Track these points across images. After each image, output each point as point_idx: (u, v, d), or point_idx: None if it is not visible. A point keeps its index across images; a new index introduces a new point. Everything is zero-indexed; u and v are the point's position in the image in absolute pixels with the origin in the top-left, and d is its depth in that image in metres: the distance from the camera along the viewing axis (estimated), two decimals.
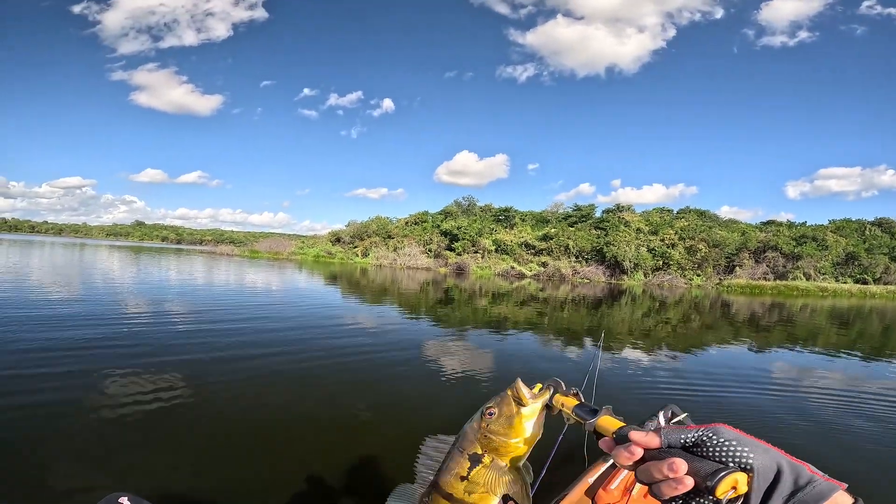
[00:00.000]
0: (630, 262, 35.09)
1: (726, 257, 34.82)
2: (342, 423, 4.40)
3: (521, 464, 0.74)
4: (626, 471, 2.20)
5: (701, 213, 42.76)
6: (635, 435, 0.53)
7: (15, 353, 5.75)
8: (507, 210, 46.17)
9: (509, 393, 0.74)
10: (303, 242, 53.72)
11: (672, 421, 3.03)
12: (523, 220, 44.99)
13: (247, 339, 7.59)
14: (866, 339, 12.07)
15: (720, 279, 33.63)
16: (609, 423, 0.66)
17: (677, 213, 43.36)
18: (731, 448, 0.48)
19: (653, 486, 0.51)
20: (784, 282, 31.10)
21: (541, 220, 45.41)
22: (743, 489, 0.47)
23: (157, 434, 3.83)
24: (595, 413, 0.69)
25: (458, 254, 39.99)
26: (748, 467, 0.47)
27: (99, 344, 6.49)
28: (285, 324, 9.32)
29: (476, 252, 39.87)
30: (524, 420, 0.72)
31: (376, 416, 4.68)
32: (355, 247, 45.74)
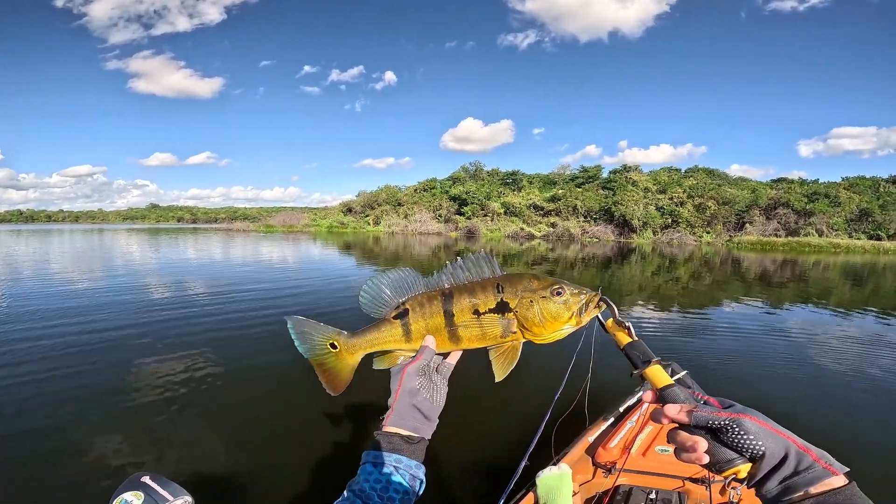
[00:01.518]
0: (639, 220, 35.14)
1: (736, 214, 34.37)
2: (370, 392, 4.42)
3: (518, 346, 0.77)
4: (625, 430, 2.40)
5: (710, 172, 42.00)
6: (670, 410, 0.59)
7: (48, 338, 5.87)
8: (514, 174, 46.05)
9: (584, 298, 0.73)
10: (315, 214, 54.39)
11: (673, 378, 3.32)
12: (531, 183, 44.81)
13: (271, 312, 7.65)
14: (881, 297, 11.65)
15: (730, 236, 33.41)
16: (658, 376, 0.66)
17: (686, 171, 42.57)
18: (750, 442, 0.54)
19: (675, 448, 0.58)
20: (796, 238, 30.67)
21: (548, 182, 45.16)
22: (743, 475, 0.55)
23: (188, 414, 3.85)
24: (647, 363, 0.68)
25: (468, 218, 40.34)
26: (759, 456, 0.54)
27: (129, 326, 6.61)
28: (305, 295, 9.67)
29: (485, 215, 40.16)
30: (570, 325, 0.73)
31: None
32: (367, 216, 46.28)
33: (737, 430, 0.55)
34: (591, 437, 2.51)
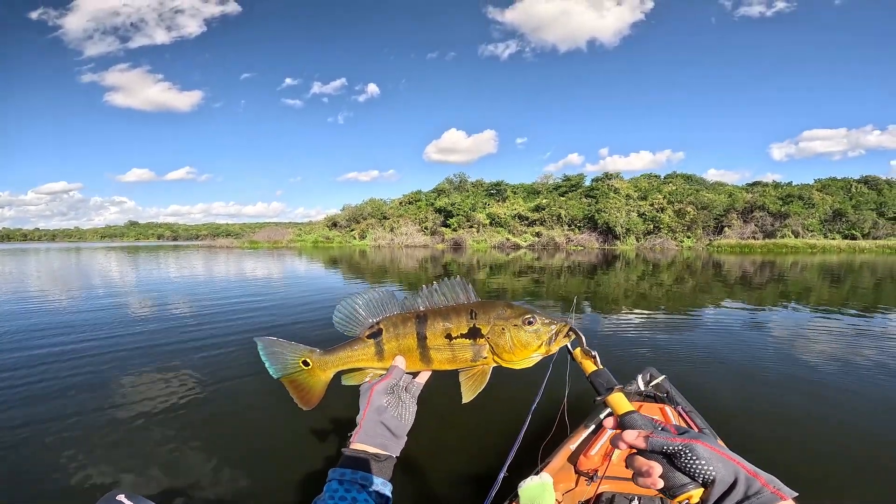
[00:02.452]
0: (622, 227, 35.75)
1: (715, 219, 35.39)
2: (346, 405, 4.39)
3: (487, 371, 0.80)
4: (605, 437, 2.39)
5: (688, 178, 43.21)
6: (627, 435, 0.63)
7: (28, 360, 5.74)
8: (498, 184, 46.46)
9: (554, 328, 0.75)
10: (300, 229, 53.97)
11: (650, 384, 3.16)
12: (515, 193, 45.36)
13: (256, 327, 7.61)
14: (859, 295, 11.83)
15: (710, 240, 34.24)
16: (619, 402, 0.70)
17: (665, 178, 43.72)
18: (702, 466, 0.57)
19: (632, 473, 0.62)
20: (773, 240, 31.58)
21: (532, 191, 45.76)
22: (695, 501, 0.57)
23: (168, 431, 3.80)
24: (609, 391, 0.72)
25: (454, 229, 40.57)
26: (710, 481, 0.56)
27: (111, 346, 6.44)
28: (293, 311, 9.54)
29: (471, 227, 40.41)
30: (539, 353, 0.75)
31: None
32: (352, 230, 46.15)
33: (689, 455, 0.57)
34: (573, 444, 2.51)
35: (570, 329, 0.76)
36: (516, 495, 1.87)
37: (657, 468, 0.59)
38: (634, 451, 0.63)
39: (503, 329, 0.75)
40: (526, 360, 0.77)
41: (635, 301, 11.28)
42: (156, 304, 10.27)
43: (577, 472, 2.27)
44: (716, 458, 0.58)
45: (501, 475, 1.80)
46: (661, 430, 0.63)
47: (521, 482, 1.90)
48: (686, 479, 0.58)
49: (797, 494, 0.52)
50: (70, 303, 10.69)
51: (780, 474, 1.62)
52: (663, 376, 3.21)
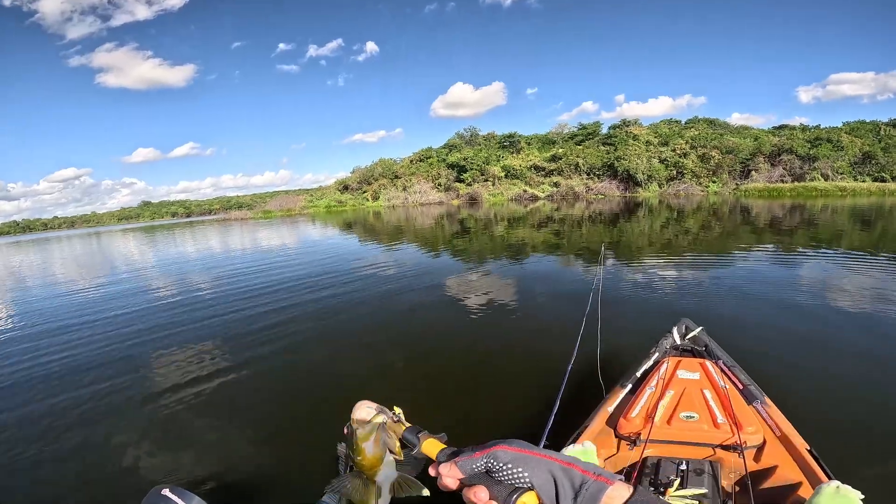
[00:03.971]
0: (643, 174, 34.41)
1: (741, 163, 33.81)
2: (379, 374, 4.34)
3: (376, 476, 0.81)
4: (644, 397, 2.25)
5: (711, 122, 41.25)
6: (444, 472, 0.59)
7: (62, 347, 5.76)
8: (511, 136, 44.86)
9: (352, 418, 0.80)
10: (311, 195, 53.66)
11: (687, 336, 3.00)
12: (529, 144, 43.80)
13: (282, 302, 7.39)
14: (891, 238, 11.30)
15: (737, 184, 32.94)
16: (431, 447, 0.69)
17: (686, 123, 41.69)
18: (511, 471, 0.53)
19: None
20: (802, 183, 30.27)
21: (547, 141, 44.17)
22: None
23: (207, 417, 3.69)
24: (419, 440, 0.71)
25: (468, 184, 39.66)
26: (529, 483, 0.52)
27: (142, 329, 6.39)
28: (314, 280, 9.21)
29: (486, 180, 39.43)
30: (361, 442, 0.78)
31: (409, 363, 4.59)
32: (364, 192, 45.58)
33: (496, 464, 0.55)
34: (610, 407, 2.37)
35: (380, 425, 0.78)
36: None
37: (482, 491, 0.56)
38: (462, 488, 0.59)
39: (347, 443, 0.82)
40: (364, 456, 0.80)
41: (662, 249, 10.81)
42: (184, 283, 10.17)
43: (617, 436, 2.13)
44: (520, 457, 0.55)
45: (541, 445, 1.59)
46: (465, 452, 0.59)
47: (563, 449, 1.79)
48: (509, 489, 0.55)
49: (622, 479, 0.50)
50: (102, 288, 10.70)
51: (827, 428, 2.53)
52: (700, 328, 3.03)
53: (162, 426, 3.60)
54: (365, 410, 0.80)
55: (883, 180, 29.98)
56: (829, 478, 1.68)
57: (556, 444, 1.88)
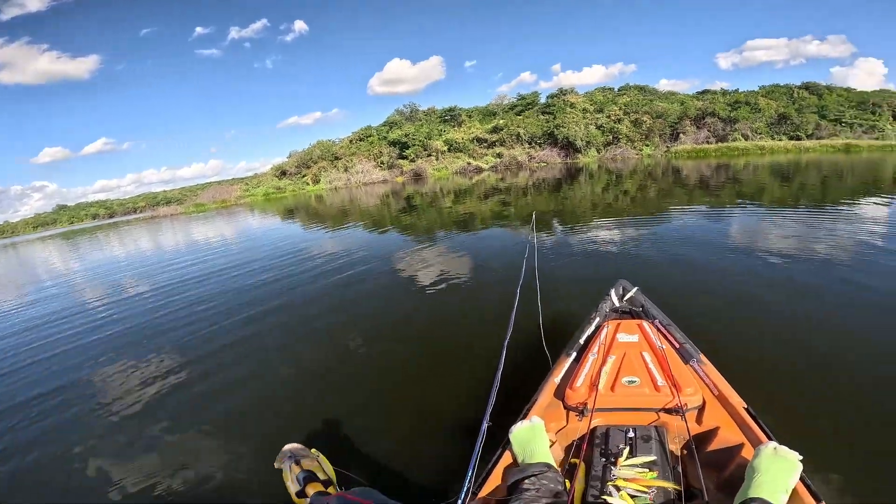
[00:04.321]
0: (581, 140, 35.34)
1: (670, 126, 35.63)
2: (336, 363, 4.21)
3: None
4: (588, 364, 2.21)
5: (641, 89, 43.01)
6: None
7: None
8: (451, 109, 44.35)
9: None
10: (247, 184, 50.55)
11: (624, 298, 3.02)
12: (470, 117, 43.56)
13: (226, 299, 6.88)
14: (808, 192, 12.14)
15: (667, 147, 34.70)
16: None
17: (619, 90, 43.23)
18: None
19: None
20: (725, 144, 32.36)
21: (487, 113, 44.13)
22: None
23: (163, 425, 3.52)
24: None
25: (412, 160, 38.96)
26: None
27: (79, 345, 5.79)
28: (259, 274, 8.59)
29: (429, 155, 38.92)
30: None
31: (369, 348, 4.47)
32: (304, 176, 43.54)
33: None
34: (557, 378, 2.30)
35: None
36: (508, 442, 1.74)
37: None
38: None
39: None
40: None
41: (600, 212, 11.16)
42: (114, 291, 9.16)
43: (566, 407, 2.07)
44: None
45: (484, 426, 1.65)
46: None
47: (512, 428, 1.75)
48: None
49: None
50: (26, 307, 9.48)
51: (760, 385, 2.77)
52: (636, 288, 3.08)
53: (114, 446, 3.37)
54: (283, 453, 0.83)
55: (798, 139, 32.57)
56: (769, 438, 1.69)
57: (505, 422, 1.81)
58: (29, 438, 3.58)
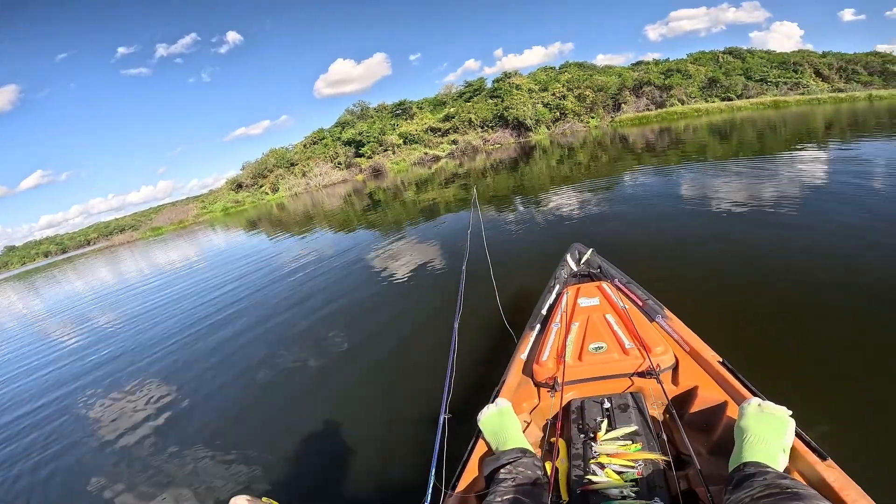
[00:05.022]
0: (531, 119, 36.32)
1: (611, 98, 37.18)
2: (284, 381, 4.03)
3: None
4: (552, 336, 2.11)
5: (581, 65, 44.57)
6: None
7: None
8: (402, 104, 44.43)
9: None
10: (203, 201, 49.06)
11: (581, 261, 2.95)
12: (421, 109, 43.74)
13: (198, 324, 6.66)
14: (747, 145, 12.68)
15: (612, 117, 36.14)
16: None
17: (560, 68, 44.54)
18: None
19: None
20: (664, 109, 34.10)
21: (437, 103, 44.41)
22: None
23: (152, 456, 3.37)
24: None
25: (369, 157, 38.94)
26: None
27: (57, 385, 5.58)
28: (227, 293, 8.34)
29: (385, 150, 39.01)
30: None
31: (351, 351, 4.31)
32: (261, 186, 42.70)
33: None
34: (523, 354, 2.16)
35: None
36: (479, 431, 1.65)
37: None
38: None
39: None
40: None
41: (555, 183, 11.60)
42: (85, 324, 8.92)
43: (535, 384, 1.96)
44: None
45: (442, 418, 1.55)
46: None
47: (479, 414, 1.67)
48: None
49: None
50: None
51: (730, 323, 2.80)
52: (591, 249, 3.03)
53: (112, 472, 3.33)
54: None
55: (730, 99, 34.60)
56: (753, 393, 1.57)
57: (475, 409, 1.71)
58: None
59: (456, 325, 2.04)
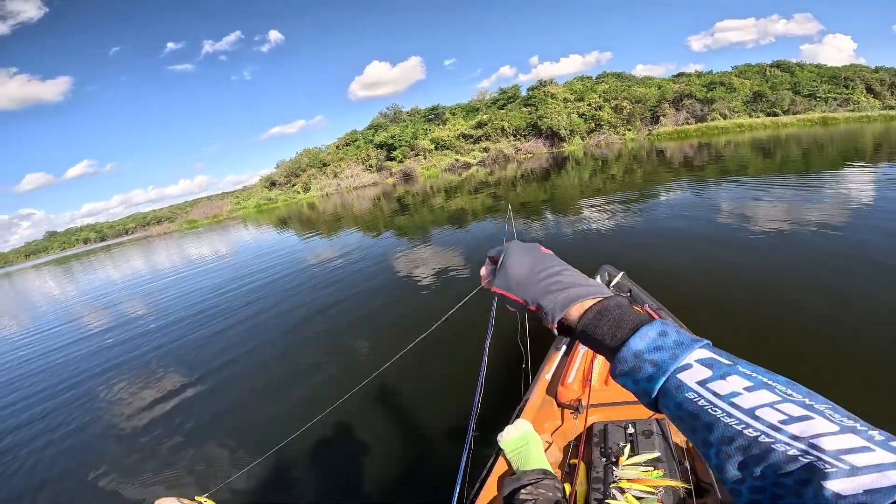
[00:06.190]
0: (565, 129, 35.80)
1: (650, 110, 36.23)
2: (344, 374, 4.01)
3: None
4: (578, 358, 2.10)
5: (618, 75, 43.77)
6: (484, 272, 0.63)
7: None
8: (434, 108, 44.64)
9: None
10: (237, 197, 50.66)
11: (611, 284, 2.92)
12: (454, 114, 43.89)
13: (227, 316, 6.78)
14: (790, 163, 12.12)
15: (649, 130, 35.25)
16: None
17: (597, 78, 43.85)
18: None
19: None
20: (705, 123, 32.96)
21: (470, 109, 44.48)
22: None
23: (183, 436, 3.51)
24: None
25: (400, 161, 39.28)
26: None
27: (86, 373, 5.72)
28: (258, 289, 8.57)
29: (417, 155, 39.25)
30: None
31: (374, 348, 4.38)
32: (293, 185, 43.70)
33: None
34: (548, 374, 2.20)
35: None
36: (500, 450, 1.65)
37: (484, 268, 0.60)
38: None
39: None
40: None
41: (588, 197, 11.29)
42: (119, 313, 9.14)
43: (559, 405, 1.99)
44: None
45: (469, 435, 1.57)
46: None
47: (500, 435, 1.66)
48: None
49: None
50: (35, 338, 9.60)
51: (766, 353, 2.59)
52: (621, 273, 3.01)
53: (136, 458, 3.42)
54: None
55: (775, 115, 33.21)
56: None
57: (496, 425, 1.75)
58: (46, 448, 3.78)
59: (487, 343, 2.01)
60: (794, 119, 30.68)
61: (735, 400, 0.35)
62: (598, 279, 2.94)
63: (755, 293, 3.89)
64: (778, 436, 0.32)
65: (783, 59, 39.41)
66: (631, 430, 1.70)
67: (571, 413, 1.91)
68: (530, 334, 2.67)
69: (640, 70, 70.77)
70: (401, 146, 39.83)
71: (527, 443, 1.61)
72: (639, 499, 1.41)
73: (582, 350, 2.18)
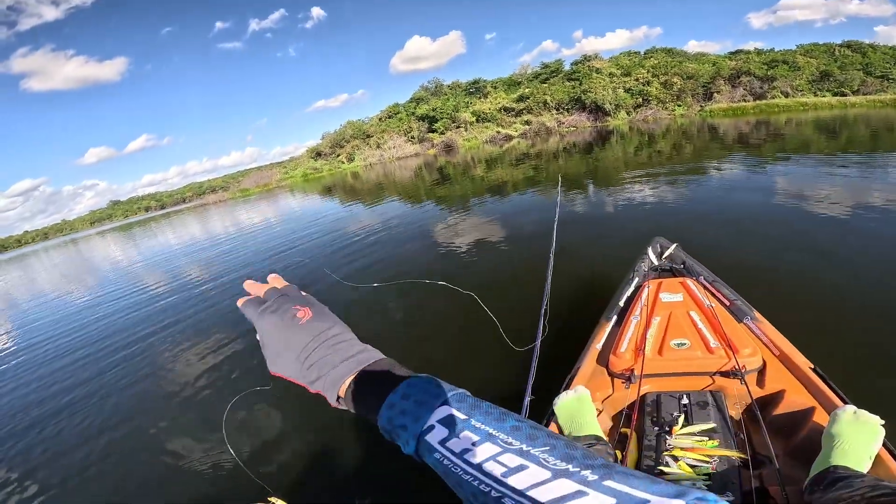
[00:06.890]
0: (610, 104, 34.84)
1: (703, 86, 34.37)
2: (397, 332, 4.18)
3: None
4: (631, 328, 2.10)
5: (669, 51, 41.42)
6: None
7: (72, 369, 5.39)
8: (476, 82, 44.34)
9: None
10: (285, 167, 52.77)
11: (664, 255, 2.86)
12: (495, 88, 43.42)
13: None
14: (857, 143, 11.23)
15: (701, 106, 33.67)
16: None
17: (646, 53, 41.79)
18: None
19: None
20: (764, 101, 30.86)
21: (512, 83, 43.77)
22: None
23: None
24: None
25: (441, 133, 39.62)
26: None
27: (154, 328, 6.13)
28: (307, 250, 9.02)
29: (458, 127, 39.44)
30: None
31: (419, 318, 4.44)
32: (338, 155, 45.01)
33: None
34: (598, 344, 2.19)
35: None
36: (553, 413, 1.67)
37: None
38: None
39: None
40: None
41: (636, 171, 11.04)
42: (183, 275, 9.73)
43: (610, 374, 2.00)
44: None
45: (526, 400, 1.64)
46: None
47: (556, 399, 1.69)
48: None
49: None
50: (101, 300, 11.00)
51: (825, 343, 2.29)
52: (675, 244, 2.90)
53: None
54: None
55: (843, 95, 30.75)
56: (844, 401, 1.55)
57: (546, 392, 1.78)
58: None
59: (543, 310, 2.09)
60: (864, 99, 28.24)
61: (467, 456, 0.35)
62: (650, 250, 2.88)
63: (808, 270, 3.78)
64: (504, 490, 0.32)
65: (854, 39, 36.18)
66: (685, 400, 1.68)
67: (623, 382, 1.90)
68: (579, 304, 2.92)
69: (693, 46, 66.61)
70: (442, 118, 40.03)
71: (581, 409, 1.62)
72: (693, 467, 1.40)
73: (634, 320, 2.16)
